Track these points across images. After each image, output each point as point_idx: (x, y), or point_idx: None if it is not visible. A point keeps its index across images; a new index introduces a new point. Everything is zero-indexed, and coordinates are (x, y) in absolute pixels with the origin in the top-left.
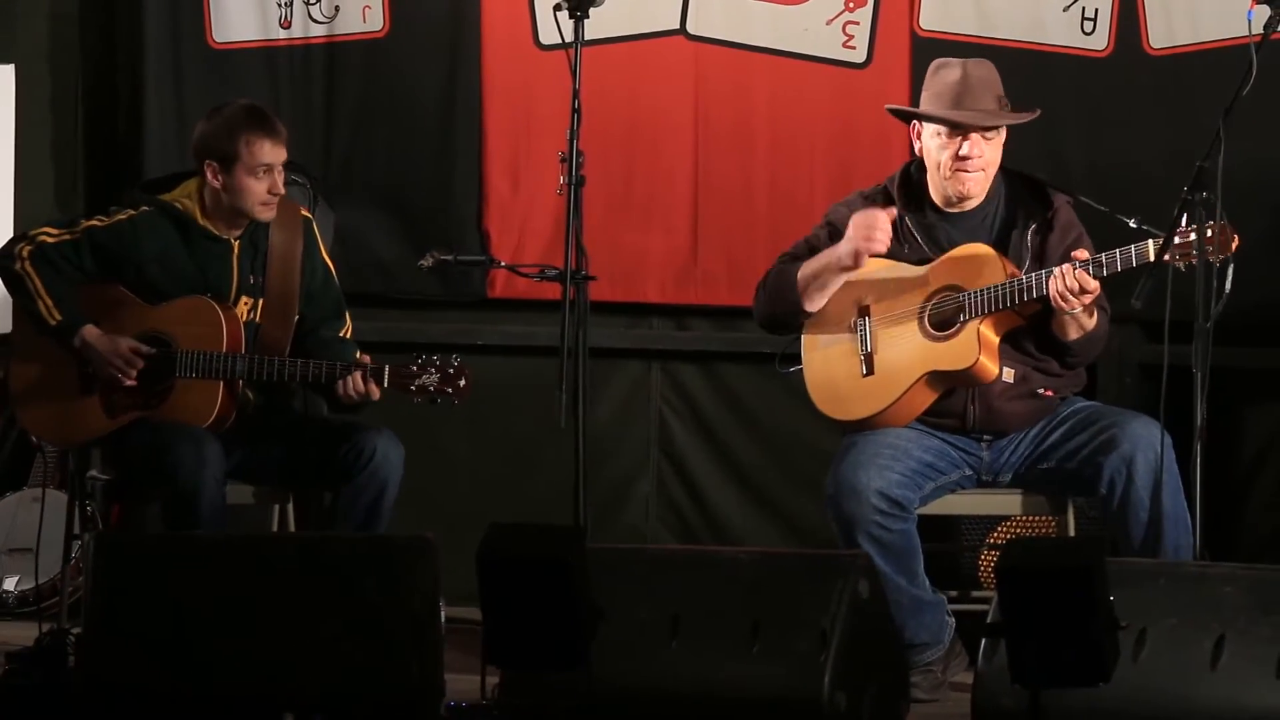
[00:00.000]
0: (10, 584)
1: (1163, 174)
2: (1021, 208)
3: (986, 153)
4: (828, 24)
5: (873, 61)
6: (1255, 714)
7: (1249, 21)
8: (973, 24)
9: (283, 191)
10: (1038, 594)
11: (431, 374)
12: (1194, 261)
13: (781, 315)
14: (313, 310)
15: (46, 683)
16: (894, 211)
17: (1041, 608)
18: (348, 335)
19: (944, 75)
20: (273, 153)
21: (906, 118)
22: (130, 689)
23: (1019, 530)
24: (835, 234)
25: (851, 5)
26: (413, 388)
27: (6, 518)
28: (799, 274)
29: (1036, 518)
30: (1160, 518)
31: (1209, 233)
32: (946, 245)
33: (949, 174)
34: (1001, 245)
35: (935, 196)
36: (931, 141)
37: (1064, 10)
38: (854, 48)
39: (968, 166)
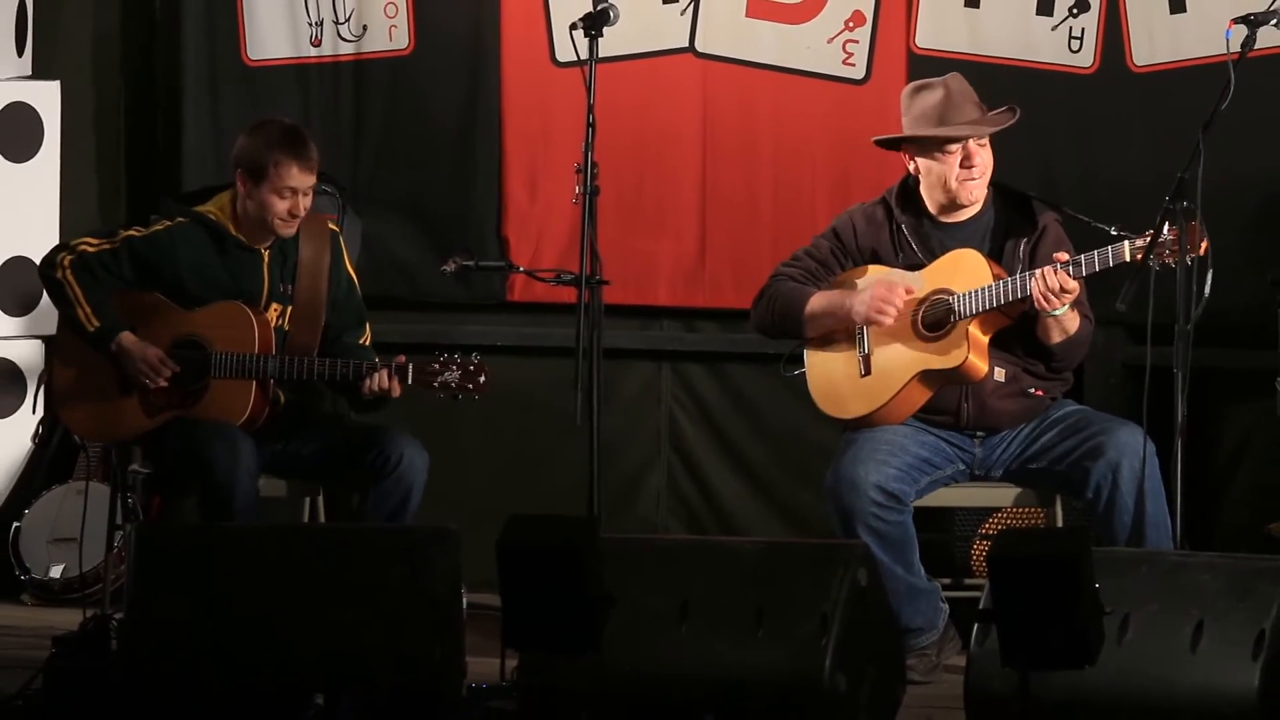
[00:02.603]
0: (56, 571)
1: (1145, 184)
2: (1014, 221)
3: (986, 158)
4: (828, 42)
5: (871, 78)
6: (1232, 694)
7: (1227, 40)
8: (965, 42)
9: (302, 214)
10: (1027, 581)
11: (453, 371)
12: (1167, 260)
13: (782, 332)
14: (337, 319)
15: (90, 665)
16: (914, 287)
17: (1030, 594)
18: (366, 343)
19: (925, 97)
20: (299, 178)
21: (896, 143)
22: (169, 671)
23: (1010, 521)
24: (839, 244)
25: (851, 24)
26: (435, 384)
27: (53, 509)
28: (807, 307)
29: (1026, 509)
30: (1143, 522)
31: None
32: (940, 253)
33: (957, 185)
34: (996, 256)
35: (931, 207)
36: (932, 160)
37: (1052, 29)
38: (853, 65)
39: (973, 174)
